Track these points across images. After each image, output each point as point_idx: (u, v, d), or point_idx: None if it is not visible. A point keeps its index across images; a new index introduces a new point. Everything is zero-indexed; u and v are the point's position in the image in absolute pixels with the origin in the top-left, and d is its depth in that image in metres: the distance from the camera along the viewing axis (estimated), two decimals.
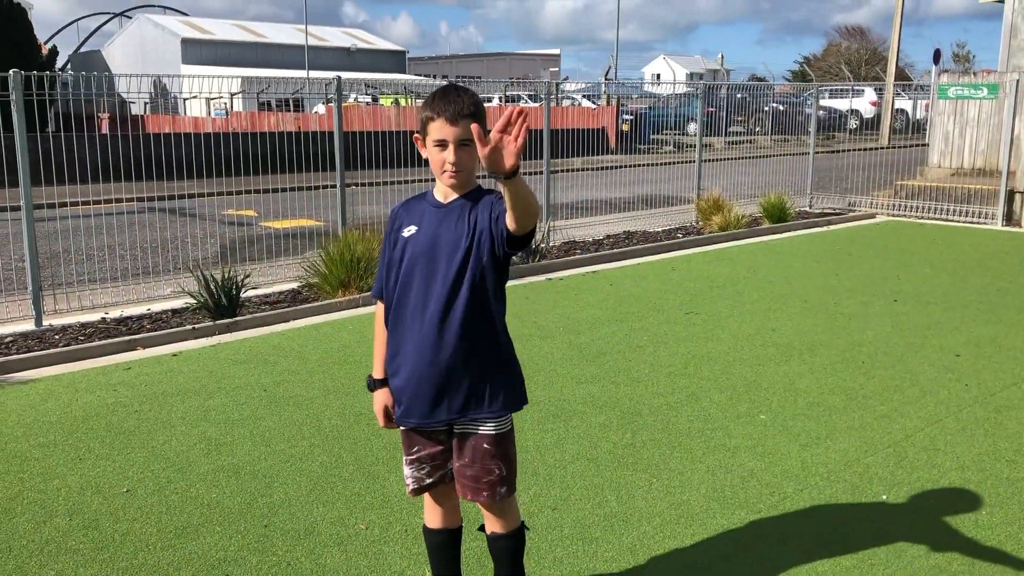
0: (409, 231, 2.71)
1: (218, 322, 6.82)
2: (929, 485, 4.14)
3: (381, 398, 2.85)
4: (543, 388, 5.43)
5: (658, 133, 22.76)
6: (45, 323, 6.83)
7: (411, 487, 2.83)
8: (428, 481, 2.81)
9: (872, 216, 13.50)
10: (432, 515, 2.92)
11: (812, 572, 3.40)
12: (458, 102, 2.58)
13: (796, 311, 7.42)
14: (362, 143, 11.27)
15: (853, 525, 3.76)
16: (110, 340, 6.38)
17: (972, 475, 4.25)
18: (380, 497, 4.00)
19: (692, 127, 19.08)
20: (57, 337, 6.50)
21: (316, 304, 7.47)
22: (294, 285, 8.11)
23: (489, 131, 2.34)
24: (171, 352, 6.29)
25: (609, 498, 4.00)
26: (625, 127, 23.40)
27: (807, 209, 13.76)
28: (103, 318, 7.02)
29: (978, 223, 12.65)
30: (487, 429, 2.70)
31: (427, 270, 2.65)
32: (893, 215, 13.52)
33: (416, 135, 2.68)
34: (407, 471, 2.82)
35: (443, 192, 2.69)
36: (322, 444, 4.60)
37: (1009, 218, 12.61)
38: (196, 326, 6.71)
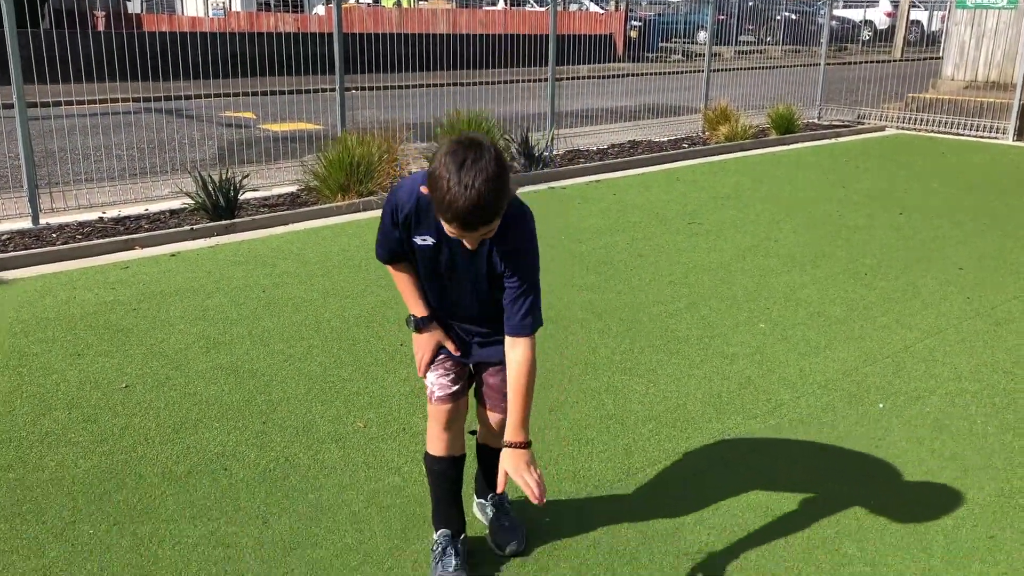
0: (423, 240, 2.53)
1: (216, 223, 6.76)
2: (925, 395, 4.14)
3: (434, 336, 2.74)
4: (543, 296, 5.39)
5: (667, 41, 22.25)
6: (42, 221, 6.78)
7: (437, 394, 2.73)
8: (454, 388, 2.74)
9: (882, 129, 13.28)
10: (439, 441, 2.79)
11: (806, 478, 3.42)
12: (475, 213, 2.20)
13: (800, 223, 7.35)
14: (362, 45, 11.05)
15: (848, 432, 3.78)
16: (108, 239, 6.33)
17: (969, 385, 4.26)
18: (378, 397, 4.02)
19: (702, 36, 18.62)
20: (54, 236, 6.45)
21: (315, 208, 7.40)
22: (293, 188, 8.01)
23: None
24: (169, 252, 6.25)
25: (606, 401, 4.01)
26: (633, 34, 22.85)
27: (816, 121, 13.53)
28: (100, 217, 6.96)
29: (989, 138, 12.45)
30: None
31: (450, 284, 2.63)
32: (903, 128, 13.29)
33: (423, 188, 2.32)
34: (432, 377, 2.75)
35: None
36: (321, 345, 4.60)
37: (1020, 133, 12.39)
38: (194, 227, 6.65)
